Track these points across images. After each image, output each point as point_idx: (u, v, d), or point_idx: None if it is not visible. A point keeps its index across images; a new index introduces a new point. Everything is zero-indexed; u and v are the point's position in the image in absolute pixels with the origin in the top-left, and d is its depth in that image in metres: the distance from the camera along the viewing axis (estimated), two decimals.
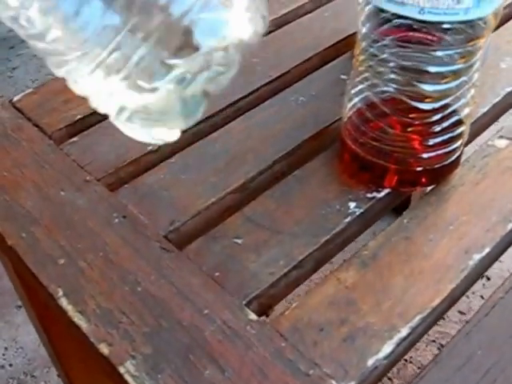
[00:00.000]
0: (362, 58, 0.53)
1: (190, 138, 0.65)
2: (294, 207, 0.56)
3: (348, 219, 0.55)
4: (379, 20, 0.50)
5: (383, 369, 0.45)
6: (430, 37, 0.48)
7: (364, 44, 0.52)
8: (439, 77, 0.50)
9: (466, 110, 0.54)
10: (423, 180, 0.56)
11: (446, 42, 0.48)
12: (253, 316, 0.47)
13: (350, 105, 0.57)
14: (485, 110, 0.67)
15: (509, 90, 0.69)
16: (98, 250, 0.52)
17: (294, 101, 0.68)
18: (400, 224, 0.54)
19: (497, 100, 0.68)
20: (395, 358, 0.46)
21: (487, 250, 0.52)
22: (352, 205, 0.56)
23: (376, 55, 0.51)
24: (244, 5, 0.45)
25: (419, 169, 0.55)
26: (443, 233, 0.53)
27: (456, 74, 0.50)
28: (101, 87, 0.46)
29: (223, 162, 0.61)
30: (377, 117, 0.54)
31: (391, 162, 0.55)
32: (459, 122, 0.54)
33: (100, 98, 0.47)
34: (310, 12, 0.84)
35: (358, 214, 0.55)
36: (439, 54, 0.49)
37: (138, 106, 0.47)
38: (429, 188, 0.58)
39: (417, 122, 0.53)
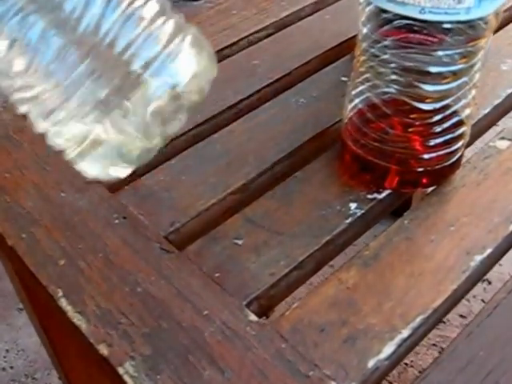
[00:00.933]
0: (362, 58, 0.53)
1: (191, 139, 0.65)
2: (295, 208, 0.55)
3: (349, 220, 0.54)
4: (380, 20, 0.49)
5: (384, 370, 0.45)
6: (430, 37, 0.47)
7: (365, 45, 0.52)
8: (440, 77, 0.50)
9: (467, 111, 0.53)
10: (424, 181, 0.56)
11: (446, 43, 0.48)
12: (253, 317, 0.47)
13: (350, 106, 0.56)
14: (486, 111, 0.66)
15: (510, 91, 0.69)
16: (98, 251, 0.52)
17: (294, 102, 0.68)
18: (401, 225, 0.53)
19: (498, 102, 0.67)
20: (396, 359, 0.45)
21: (489, 251, 0.51)
22: (353, 206, 0.55)
23: (377, 56, 0.51)
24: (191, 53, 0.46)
25: (420, 169, 0.55)
26: (444, 234, 0.52)
27: (457, 75, 0.50)
28: (60, 126, 0.46)
29: (224, 163, 0.60)
30: (378, 117, 0.53)
31: (392, 162, 0.55)
32: (460, 123, 0.53)
33: (58, 137, 0.47)
34: (310, 15, 0.84)
35: (358, 214, 0.54)
36: (440, 54, 0.48)
37: (96, 146, 0.47)
38: (430, 189, 0.57)
39: (418, 123, 0.52)
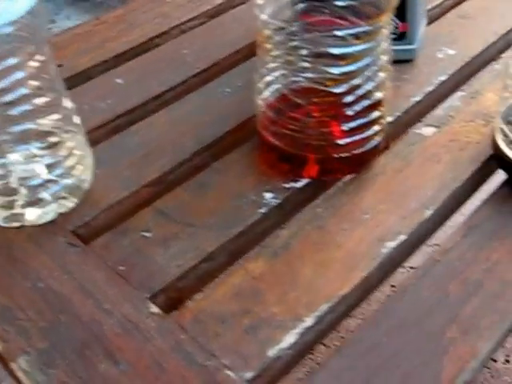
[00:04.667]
0: (268, 47, 0.54)
1: (110, 131, 0.66)
2: (209, 199, 0.57)
3: (263, 210, 0.56)
4: (282, 4, 0.51)
5: (288, 359, 0.46)
6: (332, 18, 0.49)
7: (268, 32, 0.53)
8: (343, 58, 0.51)
9: (378, 94, 0.55)
10: (343, 168, 0.57)
11: (346, 22, 0.49)
12: (154, 309, 0.48)
13: (261, 98, 0.58)
14: (417, 99, 0.68)
15: (443, 78, 0.71)
16: (2, 246, 0.53)
17: (219, 92, 0.69)
18: (315, 213, 0.55)
19: (430, 89, 0.69)
20: (301, 348, 0.47)
21: (402, 237, 0.53)
22: (268, 195, 0.57)
23: (283, 43, 0.52)
24: None
25: (338, 156, 0.56)
26: (358, 222, 0.54)
27: (360, 55, 0.51)
28: None
29: (140, 155, 0.62)
30: (290, 108, 0.55)
31: (309, 151, 0.57)
32: (372, 107, 0.55)
33: None
34: (243, 3, 0.86)
35: (274, 204, 0.56)
36: (340, 34, 0.50)
37: None
38: (350, 177, 0.59)
39: (329, 107, 0.54)
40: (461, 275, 0.51)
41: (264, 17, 0.52)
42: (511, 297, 0.49)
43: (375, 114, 0.55)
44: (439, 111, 0.66)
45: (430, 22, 0.80)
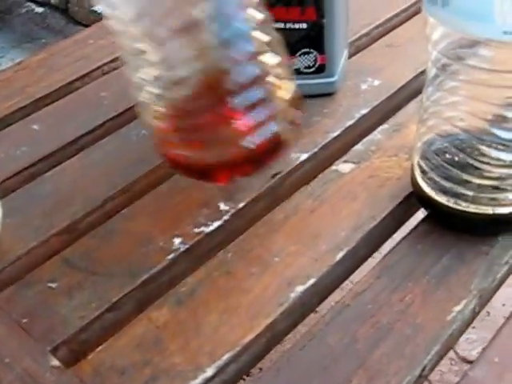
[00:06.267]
0: None
1: (24, 179, 0.67)
2: (116, 247, 0.58)
3: (171, 256, 0.56)
4: None
5: None
6: None
7: None
8: None
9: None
10: (252, 163, 0.56)
11: None
12: (55, 362, 0.49)
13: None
14: (335, 134, 0.69)
15: (365, 112, 0.72)
16: None
17: (135, 135, 0.70)
18: (223, 258, 0.56)
19: (351, 123, 0.70)
20: None
21: (312, 280, 0.54)
22: (177, 241, 0.57)
23: None
24: None
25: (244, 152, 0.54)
26: (267, 265, 0.55)
27: None
28: None
29: (51, 203, 0.63)
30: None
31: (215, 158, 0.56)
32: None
33: None
34: None
35: (182, 250, 0.57)
36: None
37: None
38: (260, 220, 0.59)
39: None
40: (371, 319, 0.51)
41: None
42: (422, 340, 0.50)
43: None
44: (359, 146, 0.66)
45: (357, 51, 0.81)
